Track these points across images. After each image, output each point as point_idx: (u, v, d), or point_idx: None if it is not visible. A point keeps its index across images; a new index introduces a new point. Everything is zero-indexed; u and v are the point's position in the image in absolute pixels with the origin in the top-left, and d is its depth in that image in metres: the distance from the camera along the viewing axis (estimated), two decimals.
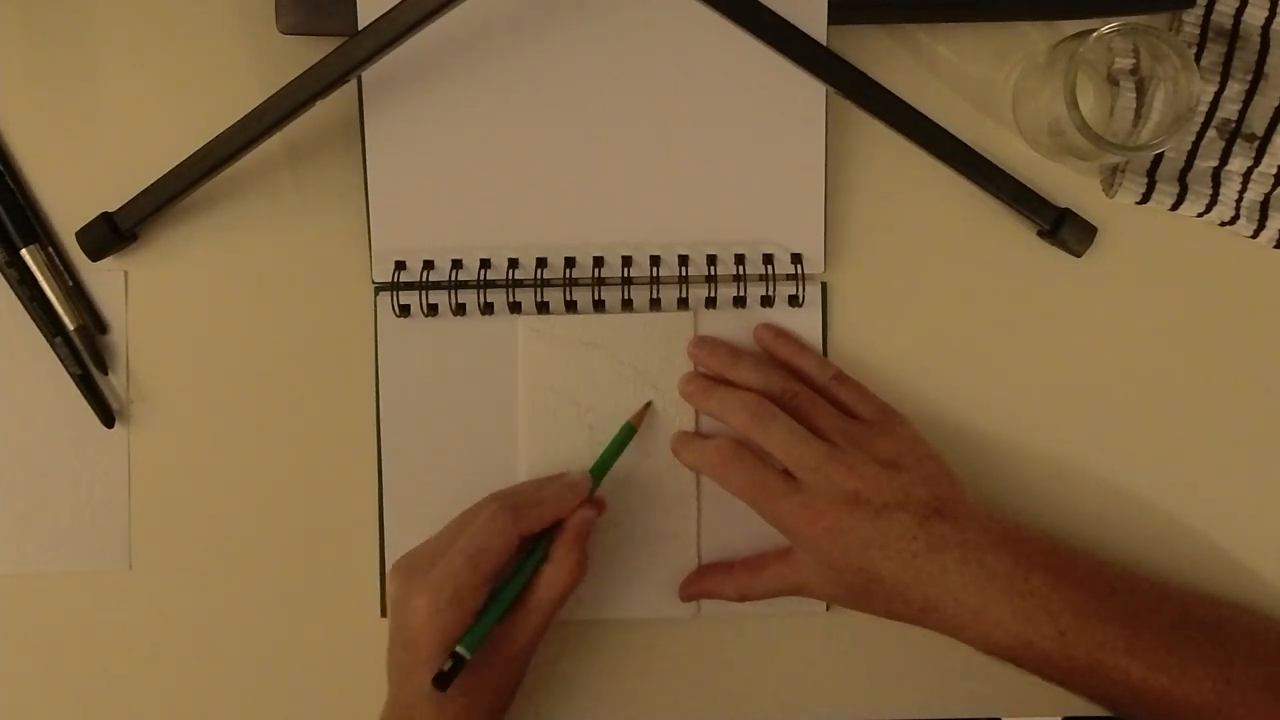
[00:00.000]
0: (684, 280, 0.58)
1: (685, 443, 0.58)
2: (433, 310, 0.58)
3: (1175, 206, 0.59)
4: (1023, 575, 0.52)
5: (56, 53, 0.58)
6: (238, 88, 0.57)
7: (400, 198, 0.58)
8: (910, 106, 0.56)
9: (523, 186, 0.58)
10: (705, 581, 0.58)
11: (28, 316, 0.58)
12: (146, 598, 0.59)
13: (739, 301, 0.58)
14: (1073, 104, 0.53)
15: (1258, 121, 0.59)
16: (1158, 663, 0.51)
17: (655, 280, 0.58)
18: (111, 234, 0.57)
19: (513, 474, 0.58)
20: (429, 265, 0.58)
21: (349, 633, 0.59)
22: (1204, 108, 0.58)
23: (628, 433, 0.57)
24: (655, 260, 0.58)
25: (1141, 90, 0.58)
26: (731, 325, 0.59)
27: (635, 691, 0.60)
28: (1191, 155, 0.59)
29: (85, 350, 0.58)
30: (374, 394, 0.58)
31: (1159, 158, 0.59)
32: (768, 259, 0.58)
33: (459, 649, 0.50)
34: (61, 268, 0.58)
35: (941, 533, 0.52)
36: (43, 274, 0.58)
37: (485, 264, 0.58)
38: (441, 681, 0.50)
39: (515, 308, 0.58)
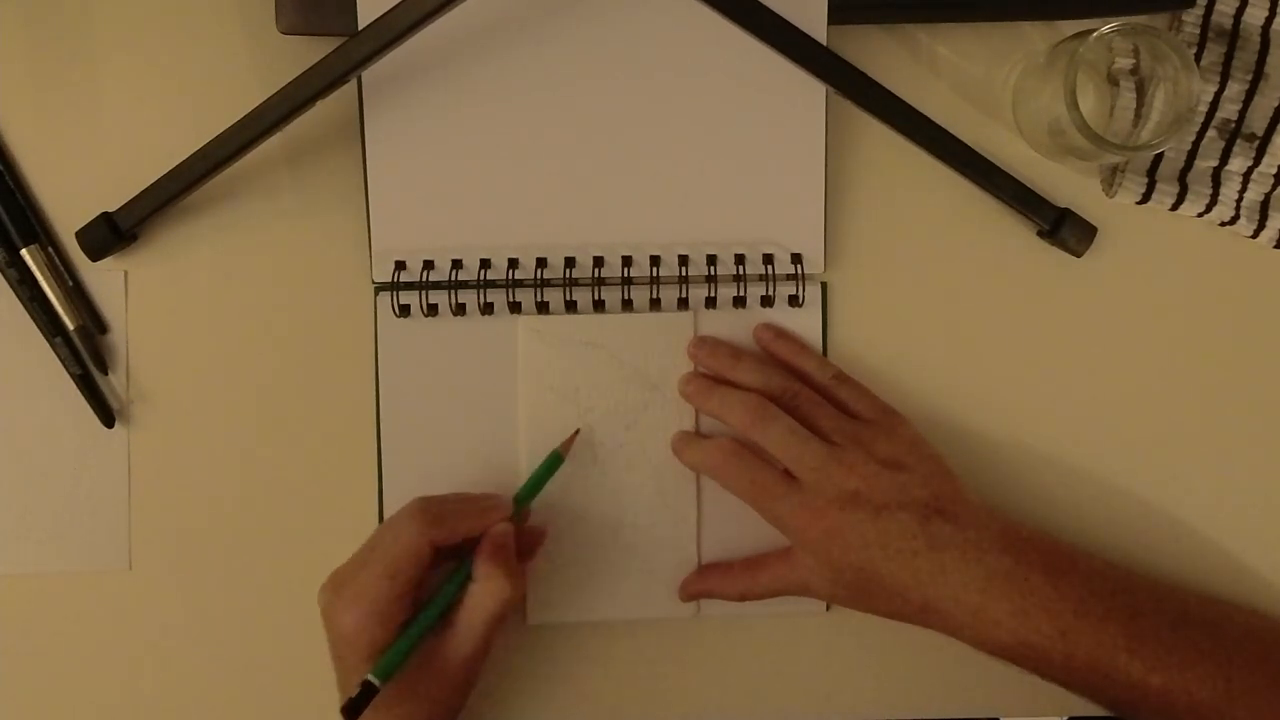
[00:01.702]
0: (684, 280, 0.58)
1: (685, 443, 0.58)
2: (433, 310, 0.58)
3: (1175, 206, 0.59)
4: (1023, 575, 0.52)
5: (56, 53, 0.58)
6: (238, 88, 0.57)
7: (400, 198, 0.58)
8: (910, 106, 0.56)
9: (523, 186, 0.58)
10: (705, 581, 0.58)
11: (28, 316, 0.58)
12: (146, 598, 0.59)
13: (739, 301, 0.58)
14: (1073, 104, 0.53)
15: (1258, 121, 0.59)
16: (1158, 662, 0.51)
17: (655, 280, 0.58)
18: (111, 234, 0.57)
19: (513, 474, 0.58)
20: (429, 265, 0.58)
21: None
22: (1204, 108, 0.58)
23: (554, 461, 0.56)
24: (655, 260, 0.58)
25: (1141, 90, 0.58)
26: (731, 325, 0.59)
27: (635, 691, 0.60)
28: (1191, 155, 0.59)
29: (85, 350, 0.58)
30: (374, 394, 0.58)
31: (1159, 158, 0.59)
32: (768, 259, 0.58)
33: (369, 677, 0.49)
34: (61, 268, 0.58)
35: (942, 532, 0.52)
36: (43, 274, 0.58)
37: (485, 264, 0.58)
38: (350, 711, 0.48)
39: (515, 308, 0.58)
